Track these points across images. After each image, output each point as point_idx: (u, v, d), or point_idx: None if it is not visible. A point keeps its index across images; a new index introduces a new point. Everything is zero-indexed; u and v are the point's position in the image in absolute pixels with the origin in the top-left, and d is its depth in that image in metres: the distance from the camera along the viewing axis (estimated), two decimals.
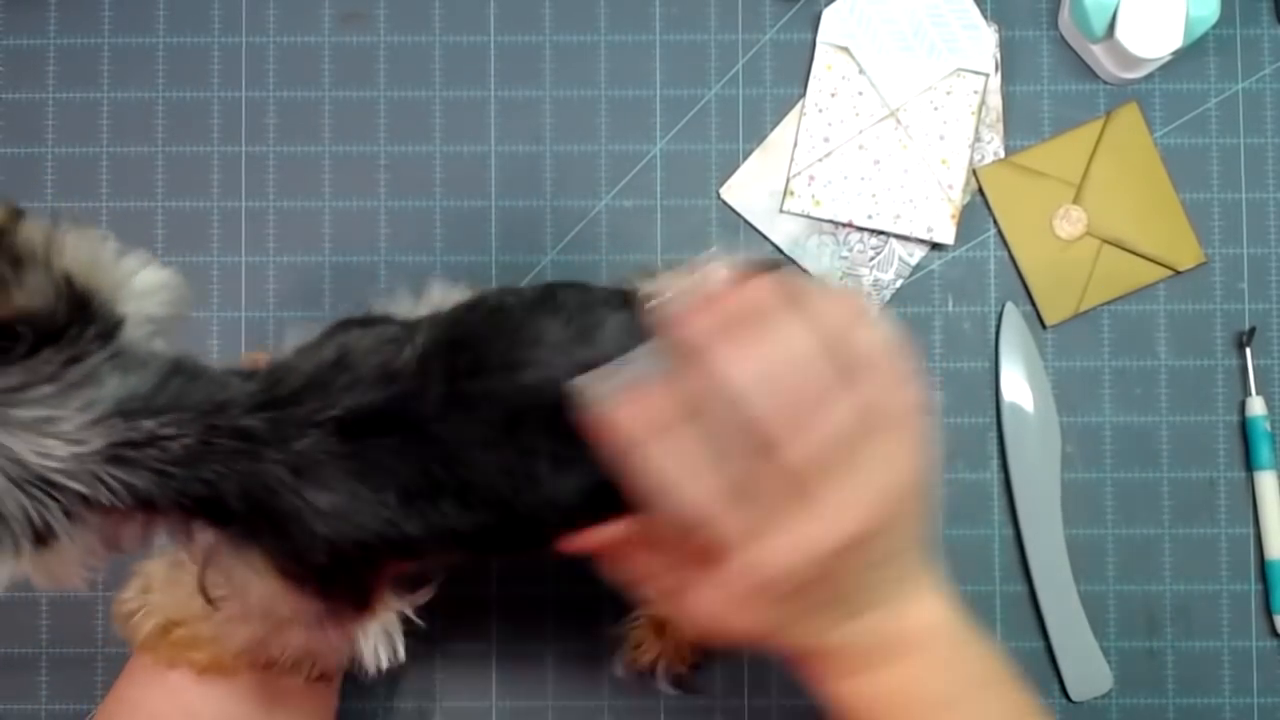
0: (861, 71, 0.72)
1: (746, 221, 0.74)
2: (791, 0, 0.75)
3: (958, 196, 0.73)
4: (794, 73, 0.74)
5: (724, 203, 0.74)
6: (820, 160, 0.73)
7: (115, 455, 0.42)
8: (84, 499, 0.42)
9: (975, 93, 0.73)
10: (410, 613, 0.52)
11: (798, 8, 0.75)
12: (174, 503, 0.44)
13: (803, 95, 0.74)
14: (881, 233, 0.73)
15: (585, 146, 0.74)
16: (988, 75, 0.73)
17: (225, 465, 0.45)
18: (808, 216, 0.73)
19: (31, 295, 0.41)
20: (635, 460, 0.43)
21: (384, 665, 0.52)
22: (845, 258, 0.74)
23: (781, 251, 0.74)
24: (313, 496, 0.46)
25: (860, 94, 0.73)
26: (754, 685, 0.72)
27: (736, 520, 0.43)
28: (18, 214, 0.42)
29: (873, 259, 0.73)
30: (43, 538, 0.42)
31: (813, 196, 0.73)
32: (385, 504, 0.47)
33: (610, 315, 0.49)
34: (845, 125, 0.73)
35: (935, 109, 0.73)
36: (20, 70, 0.75)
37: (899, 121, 0.72)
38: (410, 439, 0.47)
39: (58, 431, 0.41)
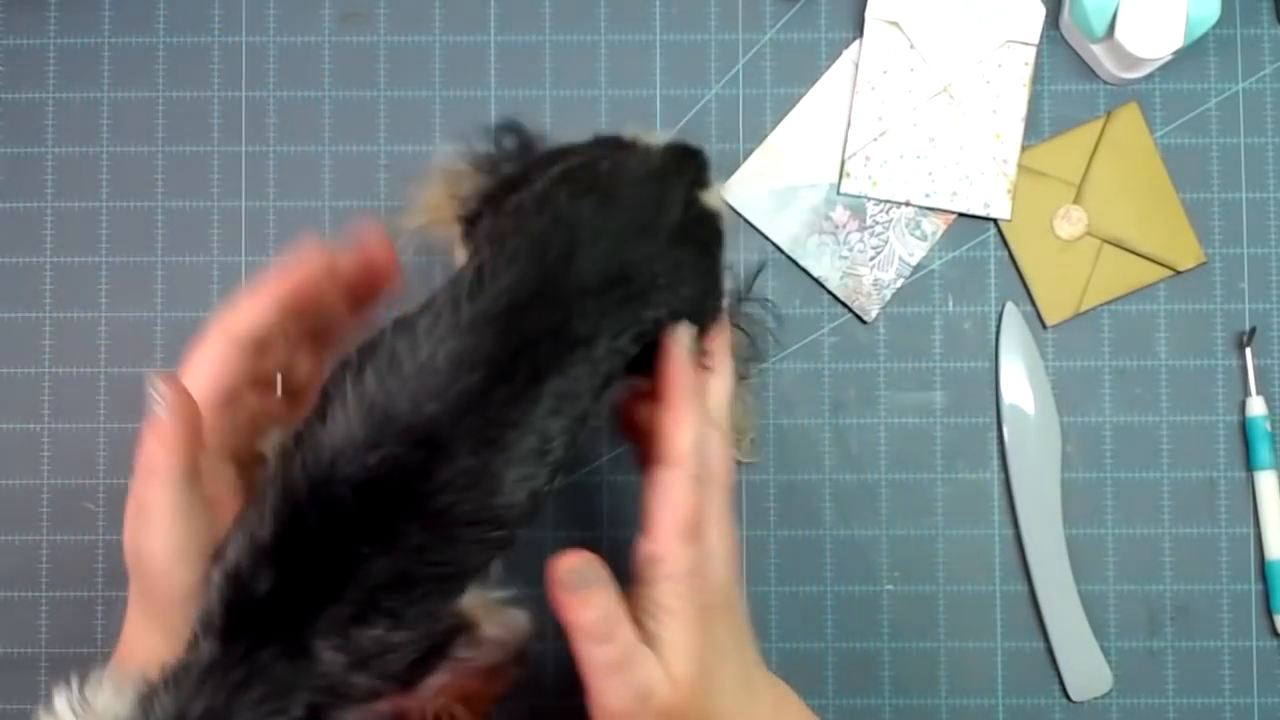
0: (912, 46, 0.72)
1: (747, 221, 0.74)
2: (792, 0, 0.75)
3: (1012, 171, 0.73)
4: (795, 72, 0.74)
5: (724, 202, 0.74)
6: (875, 140, 0.73)
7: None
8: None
9: (1026, 64, 0.72)
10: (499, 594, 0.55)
11: (798, 7, 0.75)
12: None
13: (804, 93, 0.74)
14: (940, 210, 0.73)
15: None
16: (1036, 46, 0.73)
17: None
18: (865, 198, 0.73)
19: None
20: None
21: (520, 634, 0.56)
22: (845, 257, 0.74)
23: (782, 251, 0.74)
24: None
25: (912, 70, 0.73)
26: None
27: None
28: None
29: (873, 259, 0.73)
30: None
31: (869, 177, 0.73)
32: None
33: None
34: (899, 102, 0.73)
35: (987, 83, 0.72)
36: (20, 70, 0.75)
37: (952, 96, 0.72)
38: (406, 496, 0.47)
39: None
